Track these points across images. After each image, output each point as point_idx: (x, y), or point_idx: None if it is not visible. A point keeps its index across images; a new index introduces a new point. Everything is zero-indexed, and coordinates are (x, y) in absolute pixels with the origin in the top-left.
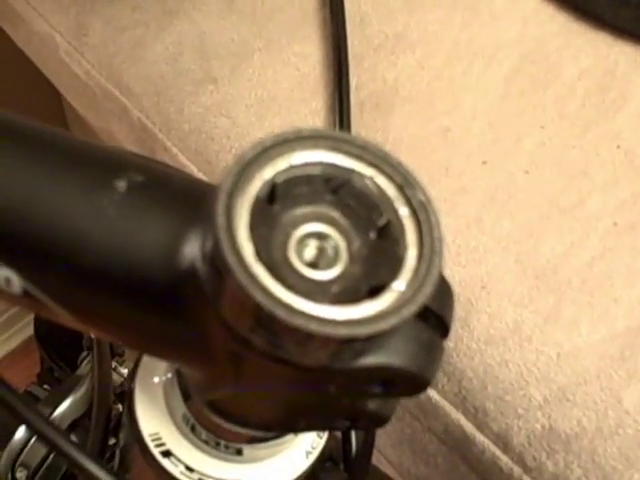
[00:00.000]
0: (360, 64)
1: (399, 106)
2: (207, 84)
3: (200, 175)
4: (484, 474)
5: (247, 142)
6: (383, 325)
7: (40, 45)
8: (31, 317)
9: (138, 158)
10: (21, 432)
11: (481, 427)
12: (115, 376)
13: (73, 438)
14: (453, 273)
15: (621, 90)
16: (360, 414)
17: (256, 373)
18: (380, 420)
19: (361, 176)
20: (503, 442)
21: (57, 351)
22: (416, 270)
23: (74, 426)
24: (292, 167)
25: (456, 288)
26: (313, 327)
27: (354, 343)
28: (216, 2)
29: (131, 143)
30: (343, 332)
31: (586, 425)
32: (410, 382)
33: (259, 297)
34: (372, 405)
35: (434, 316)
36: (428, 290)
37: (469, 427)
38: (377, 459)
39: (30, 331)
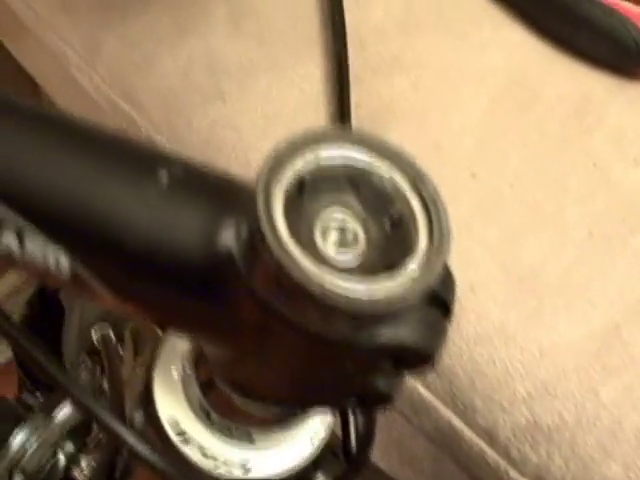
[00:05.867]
0: (359, 84)
1: (394, 124)
2: (215, 99)
3: None
4: (472, 470)
5: (252, 154)
6: (401, 302)
7: (48, 60)
8: None
9: (173, 153)
10: (18, 437)
11: (470, 423)
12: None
13: (71, 445)
14: None
15: (597, 114)
16: (369, 391)
17: (281, 347)
18: (386, 399)
19: (379, 172)
20: (490, 437)
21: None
22: (427, 255)
23: (74, 432)
24: (319, 162)
25: None
26: (342, 301)
27: (372, 318)
28: (224, 23)
29: None
30: (365, 306)
31: (566, 417)
32: (418, 357)
33: (296, 272)
34: (381, 383)
35: (439, 300)
36: (437, 272)
37: (458, 424)
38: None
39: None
